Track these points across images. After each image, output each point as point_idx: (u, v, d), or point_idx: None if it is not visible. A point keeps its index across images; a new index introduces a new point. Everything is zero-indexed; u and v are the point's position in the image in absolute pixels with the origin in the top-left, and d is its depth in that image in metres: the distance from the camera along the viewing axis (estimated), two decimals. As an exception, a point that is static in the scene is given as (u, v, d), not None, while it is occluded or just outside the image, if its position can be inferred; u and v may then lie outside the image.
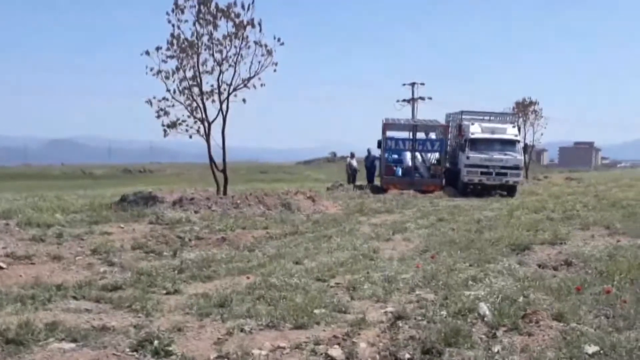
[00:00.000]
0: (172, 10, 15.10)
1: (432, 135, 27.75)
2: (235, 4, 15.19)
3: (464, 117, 27.54)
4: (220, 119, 15.87)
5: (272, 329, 5.18)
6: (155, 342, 4.59)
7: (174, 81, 15.42)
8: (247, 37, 15.37)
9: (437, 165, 26.78)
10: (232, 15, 15.22)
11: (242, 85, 15.64)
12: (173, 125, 15.68)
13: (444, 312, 5.62)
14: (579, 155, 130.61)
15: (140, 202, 14.00)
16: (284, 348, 4.69)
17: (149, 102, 15.52)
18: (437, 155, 27.22)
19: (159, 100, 15.46)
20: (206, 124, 15.85)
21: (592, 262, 8.01)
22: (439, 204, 19.52)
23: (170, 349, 4.55)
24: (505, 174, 24.27)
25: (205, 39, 15.33)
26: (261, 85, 15.73)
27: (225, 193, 15.91)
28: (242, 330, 5.12)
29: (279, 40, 15.41)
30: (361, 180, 28.57)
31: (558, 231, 11.10)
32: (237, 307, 5.85)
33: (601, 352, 4.47)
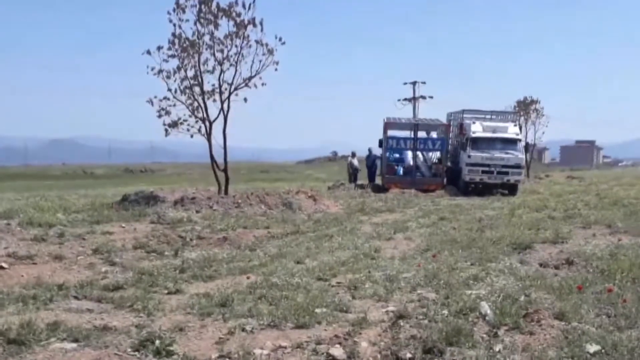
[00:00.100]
0: (174, 10, 15.11)
1: (434, 134, 27.75)
2: (236, 3, 15.19)
3: (465, 116, 27.55)
4: (221, 118, 15.88)
5: (273, 329, 5.19)
6: (157, 342, 4.59)
7: (175, 80, 15.44)
8: (248, 36, 15.37)
9: (439, 164, 26.79)
10: (233, 14, 15.22)
11: (243, 85, 15.63)
12: (174, 124, 15.68)
13: (445, 311, 5.61)
14: (580, 153, 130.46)
15: (141, 201, 14.00)
16: (285, 347, 4.69)
17: (150, 101, 15.52)
18: (438, 154, 27.22)
19: (160, 100, 15.47)
20: (207, 124, 15.85)
21: (593, 261, 8.00)
22: (440, 203, 19.52)
23: (171, 348, 4.55)
24: (506, 173, 24.26)
25: (206, 38, 15.34)
26: (262, 84, 15.74)
27: (226, 192, 15.92)
28: (243, 329, 5.12)
29: (280, 39, 15.41)
30: (362, 179, 28.57)
31: (559, 230, 11.09)
32: (239, 307, 5.85)
33: (603, 351, 4.47)
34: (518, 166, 24.69)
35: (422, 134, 27.11)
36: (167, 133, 15.84)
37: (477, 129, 25.27)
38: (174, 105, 15.55)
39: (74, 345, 4.60)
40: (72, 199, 16.87)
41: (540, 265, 8.21)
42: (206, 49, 15.38)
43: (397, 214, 16.06)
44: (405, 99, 52.46)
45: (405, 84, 53.32)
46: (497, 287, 6.62)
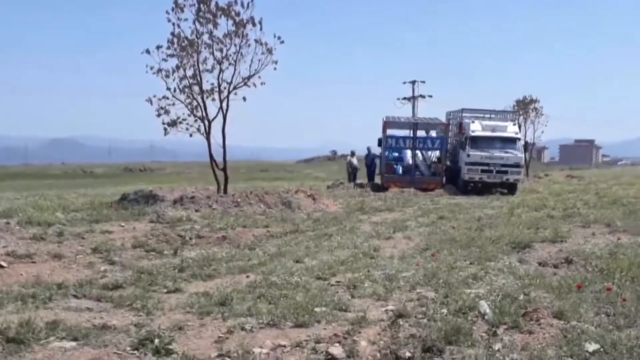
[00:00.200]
0: (172, 9, 15.11)
1: (433, 133, 27.75)
2: (235, 2, 15.18)
3: (464, 115, 27.55)
4: (220, 117, 15.87)
5: (272, 328, 5.19)
6: (156, 341, 4.59)
7: (174, 80, 15.43)
8: (247, 35, 15.37)
9: (438, 163, 26.81)
10: (232, 13, 15.21)
11: (242, 84, 15.63)
12: (173, 123, 15.68)
13: (444, 310, 5.62)
14: (579, 153, 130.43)
15: (140, 200, 13.99)
16: (284, 346, 4.70)
17: (149, 100, 15.52)
18: (437, 153, 27.24)
19: (159, 99, 15.48)
20: (206, 123, 15.85)
21: (592, 260, 8.01)
22: (440, 202, 19.53)
23: (171, 347, 4.55)
24: (505, 172, 24.26)
25: (205, 37, 15.33)
26: (261, 83, 15.74)
27: (225, 191, 15.92)
28: (242, 328, 5.13)
29: (279, 38, 15.41)
30: (362, 178, 28.58)
31: (559, 229, 11.11)
32: (238, 306, 5.85)
33: (602, 350, 4.47)
34: (517, 165, 24.70)
35: (421, 133, 27.12)
36: (166, 132, 15.84)
37: (476, 128, 25.27)
38: (173, 104, 15.56)
39: (74, 344, 4.59)
40: (72, 198, 16.86)
41: (540, 264, 8.21)
42: (205, 48, 15.39)
43: (396, 213, 16.07)
44: (404, 98, 52.48)
45: (404, 83, 53.36)
46: (497, 286, 6.62)
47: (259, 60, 15.45)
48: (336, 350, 4.57)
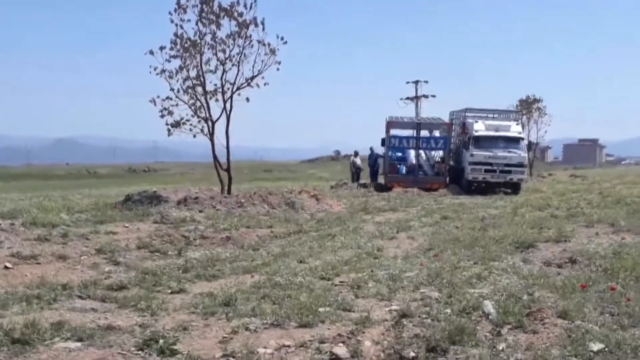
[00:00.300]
0: (175, 10, 15.13)
1: (436, 133, 27.73)
2: (238, 3, 15.21)
3: (467, 114, 27.51)
4: (223, 118, 15.90)
5: (277, 328, 5.19)
6: (161, 341, 4.60)
7: (177, 80, 15.48)
8: (250, 36, 15.38)
9: (441, 163, 26.78)
10: (235, 14, 15.23)
11: (245, 85, 15.65)
12: (177, 124, 15.72)
13: (448, 310, 5.62)
14: (583, 152, 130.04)
15: (144, 201, 14.00)
16: (289, 346, 4.70)
17: (153, 101, 15.57)
18: (441, 153, 27.20)
19: (163, 100, 15.53)
20: (210, 123, 15.88)
21: (596, 260, 7.99)
22: (443, 202, 19.52)
23: (175, 347, 4.56)
24: (509, 172, 24.23)
25: (208, 38, 15.38)
26: (265, 84, 15.76)
27: (229, 192, 15.93)
28: (247, 329, 5.13)
29: (282, 39, 15.43)
30: (365, 178, 28.58)
31: (562, 229, 11.09)
32: (242, 306, 5.86)
33: (606, 349, 4.46)
34: (521, 165, 24.67)
35: (424, 133, 27.11)
36: (169, 133, 15.89)
37: (479, 128, 25.23)
38: (177, 105, 15.61)
39: (78, 344, 4.61)
40: (76, 198, 16.89)
41: (544, 264, 8.20)
42: (208, 49, 15.43)
43: (399, 213, 16.06)
44: (407, 98, 52.49)
45: (407, 82, 53.37)
46: (500, 286, 6.62)
47: (262, 61, 15.48)
48: (340, 350, 4.58)
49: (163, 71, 15.23)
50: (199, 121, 15.84)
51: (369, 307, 5.87)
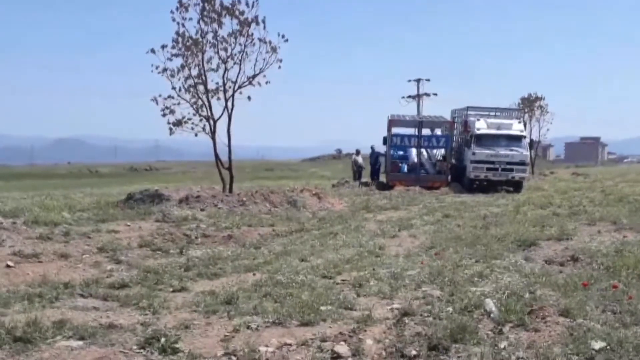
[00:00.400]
0: (177, 9, 15.13)
1: (438, 132, 27.72)
2: (239, 1, 15.21)
3: (469, 113, 27.47)
4: (225, 116, 15.90)
5: (278, 326, 5.19)
6: (162, 340, 4.61)
7: (179, 79, 15.47)
8: (252, 34, 15.38)
9: (443, 161, 26.79)
10: (237, 12, 15.22)
11: (247, 83, 15.65)
12: (179, 123, 15.73)
13: (450, 309, 5.62)
14: (585, 150, 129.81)
15: (146, 200, 14.02)
16: (290, 345, 4.70)
17: (155, 100, 15.57)
18: (442, 151, 27.20)
19: (165, 99, 15.53)
20: (212, 122, 15.87)
21: (598, 258, 7.97)
22: (445, 200, 19.52)
23: (177, 346, 4.56)
24: (511, 170, 24.21)
25: (209, 36, 15.37)
26: (266, 82, 15.76)
27: (231, 191, 15.94)
28: (248, 327, 5.13)
29: (283, 36, 15.43)
30: (367, 177, 28.58)
31: (564, 227, 11.08)
32: (244, 305, 5.86)
33: (608, 347, 4.45)
34: (523, 163, 24.64)
35: (426, 132, 27.10)
36: (171, 132, 15.89)
37: (481, 126, 25.21)
38: (178, 103, 15.61)
39: (80, 343, 4.61)
40: (78, 197, 16.91)
41: (545, 262, 8.20)
42: (210, 48, 15.42)
43: (401, 211, 16.07)
44: (409, 96, 52.44)
45: (409, 81, 53.31)
46: (502, 284, 6.61)
47: (264, 59, 15.48)
48: (342, 348, 4.57)
49: (165, 70, 15.24)
50: (201, 120, 15.85)
51: (371, 306, 5.87)
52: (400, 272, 7.46)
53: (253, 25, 15.29)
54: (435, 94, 52.42)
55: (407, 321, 5.31)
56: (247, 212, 13.70)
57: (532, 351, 4.47)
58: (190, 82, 15.52)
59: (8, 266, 7.32)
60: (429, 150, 27.39)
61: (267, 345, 4.64)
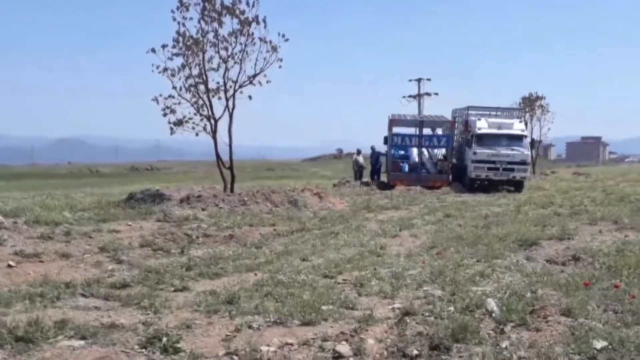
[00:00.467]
0: (177, 8, 15.13)
1: (439, 131, 27.73)
2: (240, 1, 15.21)
3: (470, 112, 27.47)
4: (226, 116, 15.90)
5: (280, 326, 5.19)
6: (164, 339, 4.60)
7: (180, 79, 15.48)
8: (252, 33, 15.38)
9: (444, 161, 26.79)
10: (237, 12, 15.22)
11: (247, 82, 15.65)
12: (179, 123, 15.73)
13: (451, 308, 5.61)
14: (586, 150, 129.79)
15: (147, 199, 14.03)
16: (291, 344, 4.70)
17: (155, 100, 15.58)
18: (443, 151, 27.21)
19: (165, 98, 15.52)
20: (212, 122, 15.88)
21: (600, 257, 7.97)
22: (446, 199, 19.51)
23: (178, 345, 4.56)
24: (512, 170, 24.21)
25: (210, 36, 15.38)
26: (267, 82, 15.76)
27: (232, 190, 15.94)
28: (250, 326, 5.13)
29: (283, 36, 15.44)
30: (366, 177, 28.58)
31: (566, 226, 11.08)
32: (245, 304, 5.86)
33: (609, 347, 4.45)
34: (524, 163, 24.64)
35: (427, 131, 27.11)
36: (172, 131, 15.89)
37: (482, 126, 25.20)
38: (179, 103, 15.61)
39: (82, 342, 4.61)
40: (79, 197, 16.91)
41: (547, 261, 8.19)
42: (210, 47, 15.42)
43: (402, 211, 16.06)
44: (410, 96, 52.49)
45: (410, 80, 53.37)
46: (504, 284, 6.61)
47: (264, 59, 15.49)
48: (343, 348, 4.57)
49: (165, 69, 15.24)
50: (202, 119, 15.85)
51: (372, 305, 5.86)
52: (401, 272, 7.46)
53: (254, 24, 15.30)
54: (437, 94, 52.51)
55: (408, 321, 5.31)
56: (248, 211, 13.71)
57: (534, 351, 4.47)
58: (191, 81, 15.53)
59: (9, 266, 7.33)
60: (430, 149, 27.39)
61: (268, 345, 4.64)
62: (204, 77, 15.56)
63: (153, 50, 15.04)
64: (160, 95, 15.49)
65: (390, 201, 18.36)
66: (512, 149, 24.41)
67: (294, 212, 14.29)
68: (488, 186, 24.12)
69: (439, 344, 4.57)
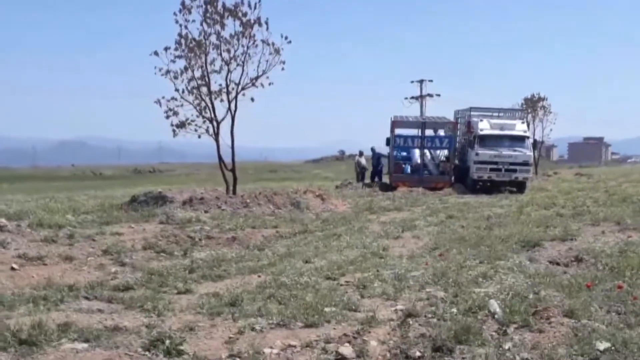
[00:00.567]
0: (179, 10, 15.16)
1: (441, 132, 27.68)
2: (242, 2, 15.22)
3: (472, 113, 27.45)
4: (228, 118, 15.91)
5: (282, 328, 5.20)
6: (167, 342, 4.61)
7: (182, 81, 15.49)
8: (255, 35, 15.40)
9: (446, 162, 26.74)
10: (239, 14, 15.24)
11: (250, 85, 15.66)
12: (182, 125, 15.74)
13: (454, 310, 5.62)
14: (588, 150, 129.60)
15: (150, 202, 14.05)
16: (294, 346, 4.71)
17: (158, 102, 15.59)
18: (446, 152, 27.17)
19: (168, 100, 15.54)
20: (215, 124, 15.89)
21: (602, 258, 7.97)
22: (448, 201, 19.49)
23: (182, 348, 4.57)
24: (514, 170, 24.17)
25: (212, 38, 15.38)
26: (269, 84, 15.77)
27: (234, 192, 15.95)
28: (253, 329, 5.14)
29: (286, 38, 15.45)
30: (367, 178, 28.55)
31: (568, 227, 11.07)
32: (248, 306, 5.87)
33: (612, 348, 4.45)
34: (526, 163, 24.60)
35: (429, 132, 27.07)
36: (175, 134, 15.90)
37: (484, 127, 25.17)
38: (182, 105, 15.62)
39: (85, 345, 4.62)
40: (82, 200, 16.95)
41: (550, 262, 8.18)
42: (213, 49, 15.43)
43: (404, 212, 16.05)
44: (412, 97, 52.45)
45: (412, 82, 53.33)
46: (506, 285, 6.61)
47: (267, 61, 15.50)
48: (346, 350, 4.58)
49: (168, 72, 15.26)
50: (204, 121, 15.86)
51: (375, 307, 5.87)
52: (404, 273, 7.46)
53: (256, 26, 15.32)
54: (439, 95, 52.46)
55: (411, 322, 5.31)
56: (251, 213, 13.72)
57: (537, 352, 4.47)
58: (193, 83, 15.55)
59: (13, 269, 7.35)
60: (432, 151, 27.35)
61: (271, 347, 4.66)
62: (207, 80, 15.58)
63: (156, 53, 15.08)
64: (163, 98, 15.52)
65: (393, 202, 18.35)
66: (515, 150, 24.37)
67: (297, 214, 14.29)
68: (490, 187, 24.07)
69: (442, 346, 4.58)
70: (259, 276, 7.51)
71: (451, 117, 29.62)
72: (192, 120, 15.77)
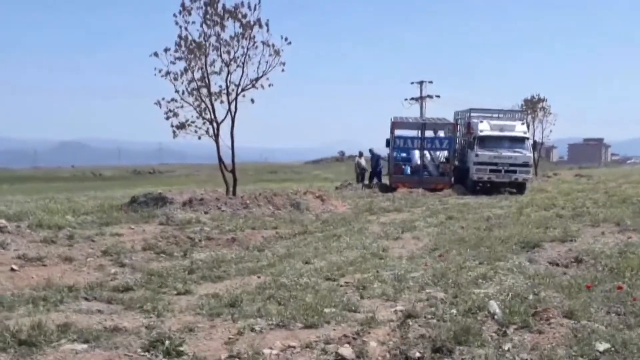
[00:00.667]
0: (179, 12, 15.17)
1: (441, 134, 27.69)
2: (242, 4, 15.23)
3: (472, 114, 27.48)
4: (228, 119, 15.93)
5: (282, 329, 5.20)
6: (167, 343, 4.61)
7: (182, 82, 15.51)
8: (255, 37, 15.41)
9: (446, 163, 26.75)
10: (239, 15, 15.25)
11: (250, 86, 15.68)
12: (182, 126, 15.76)
13: (454, 311, 5.62)
14: (588, 151, 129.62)
15: (150, 203, 14.05)
16: (294, 347, 4.71)
17: (158, 103, 15.60)
18: (445, 153, 27.18)
19: (168, 102, 15.56)
20: (215, 125, 15.90)
21: (602, 259, 7.97)
22: (448, 202, 19.49)
23: (181, 349, 4.57)
24: (514, 172, 24.17)
25: (212, 39, 15.40)
26: (269, 85, 15.79)
27: (234, 193, 15.96)
28: (252, 329, 5.14)
29: (286, 39, 15.46)
30: (365, 179, 28.57)
31: (568, 228, 11.07)
32: (248, 307, 5.87)
33: (612, 349, 4.45)
34: (526, 164, 24.60)
35: (429, 133, 27.08)
36: (175, 135, 15.91)
37: (484, 128, 25.19)
38: (182, 106, 15.64)
39: (85, 346, 4.62)
40: (81, 200, 16.96)
41: (549, 263, 8.19)
42: (213, 51, 15.44)
43: (404, 213, 16.05)
44: (412, 98, 52.49)
45: (412, 83, 53.37)
46: (506, 286, 6.61)
47: (267, 62, 15.52)
48: (346, 350, 4.58)
49: (168, 73, 15.27)
50: (204, 123, 15.88)
51: (375, 308, 5.87)
52: (403, 274, 7.46)
53: (256, 28, 15.33)
54: (438, 96, 52.49)
55: (410, 323, 5.31)
56: (251, 214, 13.72)
57: (536, 353, 4.47)
58: (193, 85, 15.57)
59: (12, 270, 7.34)
60: (432, 152, 27.36)
61: (271, 348, 4.65)
62: (207, 81, 15.59)
63: (156, 55, 15.09)
64: (163, 99, 15.54)
65: (393, 204, 18.35)
66: (514, 151, 24.38)
67: (296, 215, 14.30)
68: (490, 188, 24.07)
69: (442, 347, 4.58)
70: (259, 277, 7.52)
71: (451, 118, 29.65)
72: (192, 122, 15.79)
